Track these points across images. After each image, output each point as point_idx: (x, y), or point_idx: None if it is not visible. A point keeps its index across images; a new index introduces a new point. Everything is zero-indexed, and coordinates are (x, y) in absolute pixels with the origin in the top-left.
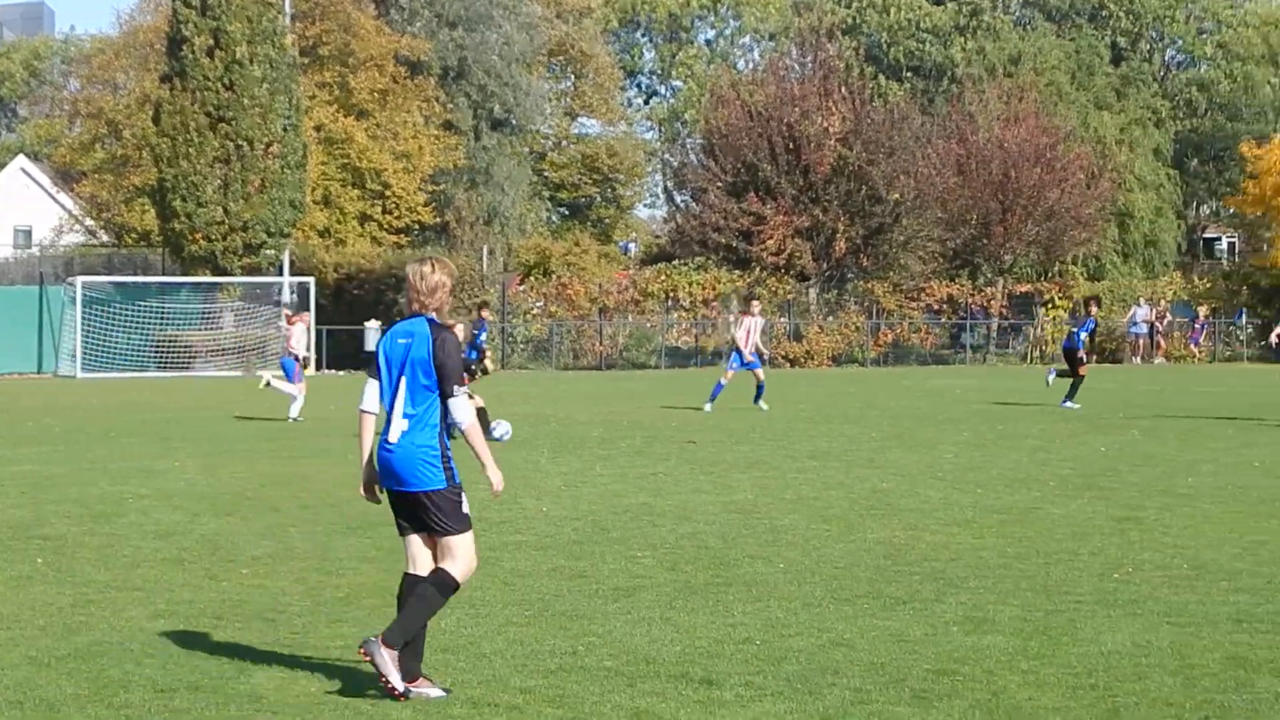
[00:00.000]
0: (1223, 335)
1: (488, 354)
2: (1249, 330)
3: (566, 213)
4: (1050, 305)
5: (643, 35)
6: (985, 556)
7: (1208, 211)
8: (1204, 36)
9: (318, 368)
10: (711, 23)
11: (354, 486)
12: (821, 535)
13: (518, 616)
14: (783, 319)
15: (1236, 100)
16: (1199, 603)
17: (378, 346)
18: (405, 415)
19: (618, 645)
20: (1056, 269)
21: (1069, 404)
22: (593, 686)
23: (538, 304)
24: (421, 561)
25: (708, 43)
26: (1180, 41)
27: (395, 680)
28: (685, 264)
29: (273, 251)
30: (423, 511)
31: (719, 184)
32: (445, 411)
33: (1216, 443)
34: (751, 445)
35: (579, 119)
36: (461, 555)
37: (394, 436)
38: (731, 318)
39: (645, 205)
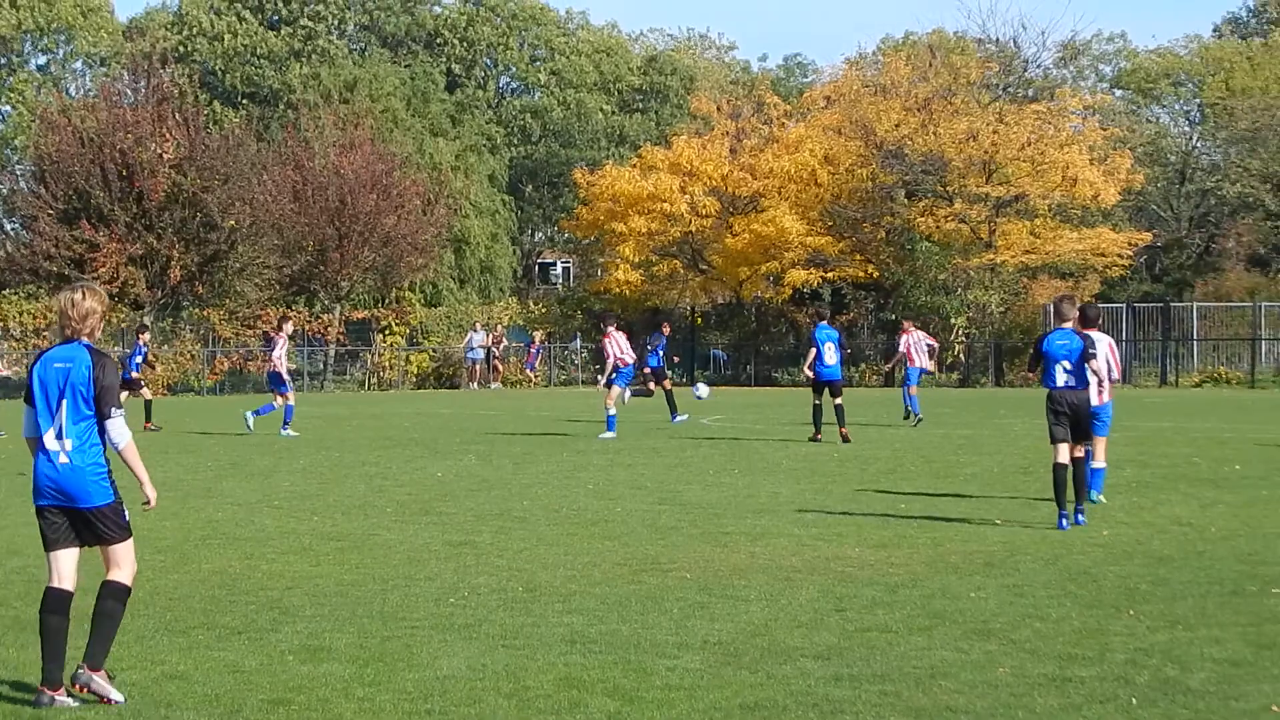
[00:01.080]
0: (558, 360)
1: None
2: (583, 354)
3: None
4: (388, 331)
5: None
6: (322, 584)
7: (543, 237)
8: (538, 64)
9: None
10: (44, 46)
11: None
12: (155, 567)
13: None
14: (117, 348)
15: (570, 127)
16: (534, 625)
17: (31, 372)
18: (70, 436)
19: None
20: (394, 295)
21: (678, 418)
22: None
23: None
24: (67, 575)
25: (39, 68)
26: (514, 69)
27: (114, 695)
28: (15, 293)
29: None
30: (93, 526)
31: (50, 211)
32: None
33: (550, 465)
34: None
35: None
36: (127, 560)
37: (63, 459)
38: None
39: None
